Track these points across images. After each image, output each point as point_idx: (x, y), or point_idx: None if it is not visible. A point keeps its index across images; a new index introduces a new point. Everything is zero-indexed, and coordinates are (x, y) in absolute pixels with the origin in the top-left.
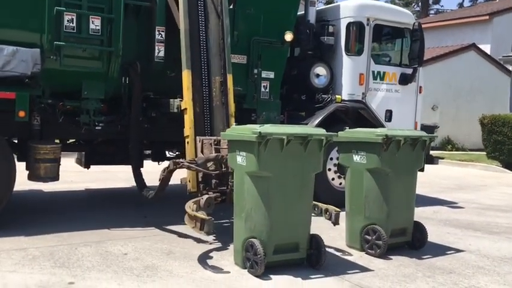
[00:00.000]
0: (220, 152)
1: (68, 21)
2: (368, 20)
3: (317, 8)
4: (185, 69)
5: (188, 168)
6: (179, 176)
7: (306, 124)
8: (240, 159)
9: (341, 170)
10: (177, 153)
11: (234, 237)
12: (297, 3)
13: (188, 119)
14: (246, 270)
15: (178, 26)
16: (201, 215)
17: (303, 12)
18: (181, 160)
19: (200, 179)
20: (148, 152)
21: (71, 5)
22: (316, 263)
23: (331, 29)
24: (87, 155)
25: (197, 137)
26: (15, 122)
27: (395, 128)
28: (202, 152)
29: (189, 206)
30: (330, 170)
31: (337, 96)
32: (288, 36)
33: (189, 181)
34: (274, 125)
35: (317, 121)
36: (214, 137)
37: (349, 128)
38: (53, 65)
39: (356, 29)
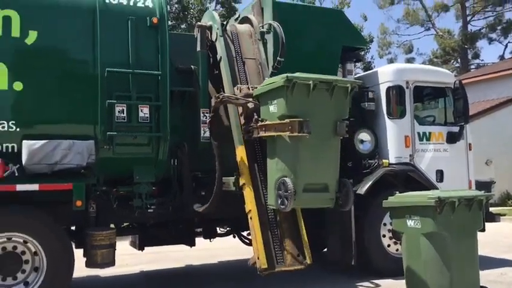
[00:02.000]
0: None
1: (118, 112)
2: (407, 83)
3: (355, 76)
4: (239, 145)
5: (228, 100)
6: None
7: (355, 191)
8: (273, 108)
9: (396, 235)
10: (228, 229)
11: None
12: (335, 73)
13: (248, 193)
14: None
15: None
16: (295, 118)
17: None
18: (221, 93)
19: (243, 121)
20: (199, 229)
21: (122, 97)
22: (344, 205)
23: (370, 94)
24: (141, 237)
25: (234, 87)
26: (73, 211)
27: (449, 189)
28: None
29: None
30: (384, 236)
31: (384, 160)
32: None
33: (258, 258)
34: (303, 73)
35: (366, 187)
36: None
37: (400, 192)
38: (106, 154)
39: (396, 92)
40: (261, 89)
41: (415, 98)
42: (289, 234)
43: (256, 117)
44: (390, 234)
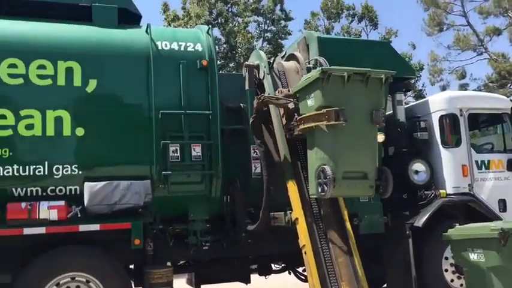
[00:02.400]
0: None
1: (172, 151)
2: (461, 110)
3: (406, 106)
4: (289, 180)
5: (269, 100)
6: None
7: (412, 224)
8: (310, 101)
9: (459, 269)
10: (282, 265)
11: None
12: (385, 104)
13: (301, 228)
14: None
15: (268, 144)
16: (332, 108)
17: (391, 111)
18: (262, 94)
19: (285, 121)
20: (254, 266)
21: (175, 137)
22: (384, 192)
23: (423, 124)
24: (197, 275)
25: (276, 91)
26: (131, 250)
27: None
28: None
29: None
30: (446, 270)
31: (441, 191)
32: (380, 138)
33: None
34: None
35: (424, 219)
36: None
37: (460, 224)
38: (162, 193)
39: (450, 121)
40: (299, 85)
41: (470, 126)
42: (346, 268)
43: (296, 116)
44: (453, 269)
